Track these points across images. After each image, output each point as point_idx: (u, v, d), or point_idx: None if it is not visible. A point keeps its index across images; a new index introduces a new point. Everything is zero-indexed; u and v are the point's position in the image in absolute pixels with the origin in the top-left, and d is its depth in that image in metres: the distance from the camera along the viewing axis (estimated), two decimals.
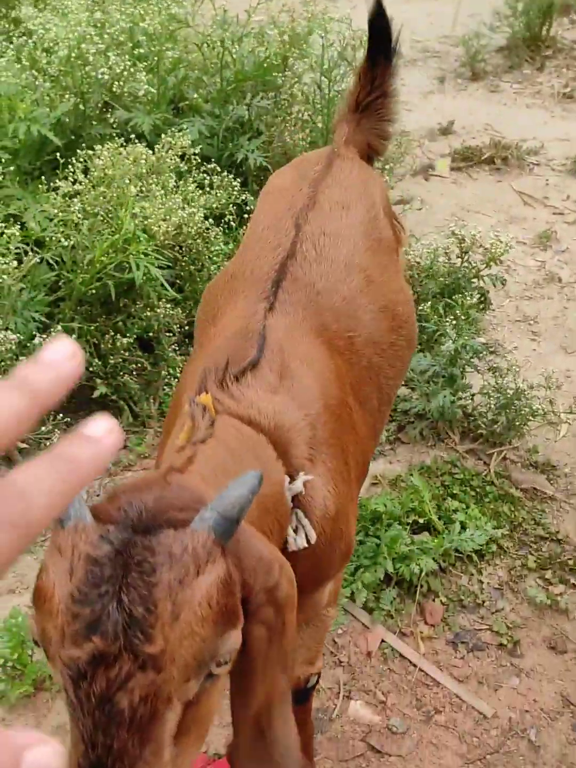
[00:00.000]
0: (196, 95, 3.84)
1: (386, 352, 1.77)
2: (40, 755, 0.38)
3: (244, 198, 3.41)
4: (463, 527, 2.45)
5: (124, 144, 3.26)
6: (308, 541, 1.17)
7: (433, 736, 2.06)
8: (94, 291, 3.01)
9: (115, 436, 0.43)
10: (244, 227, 2.91)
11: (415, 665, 2.21)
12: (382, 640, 2.26)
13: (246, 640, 0.90)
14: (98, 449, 0.42)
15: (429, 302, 2.77)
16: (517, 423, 2.73)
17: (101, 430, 0.42)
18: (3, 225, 2.84)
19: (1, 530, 0.37)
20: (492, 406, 2.77)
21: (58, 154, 3.20)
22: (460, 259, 3.03)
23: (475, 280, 3.00)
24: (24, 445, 2.98)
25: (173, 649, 0.78)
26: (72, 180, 3.07)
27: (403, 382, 2.41)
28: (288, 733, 1.01)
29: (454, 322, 2.70)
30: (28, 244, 2.96)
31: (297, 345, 1.49)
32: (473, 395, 2.86)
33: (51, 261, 3.01)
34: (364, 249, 1.81)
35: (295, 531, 1.11)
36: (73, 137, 3.61)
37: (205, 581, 0.81)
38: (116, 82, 3.60)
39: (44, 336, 2.76)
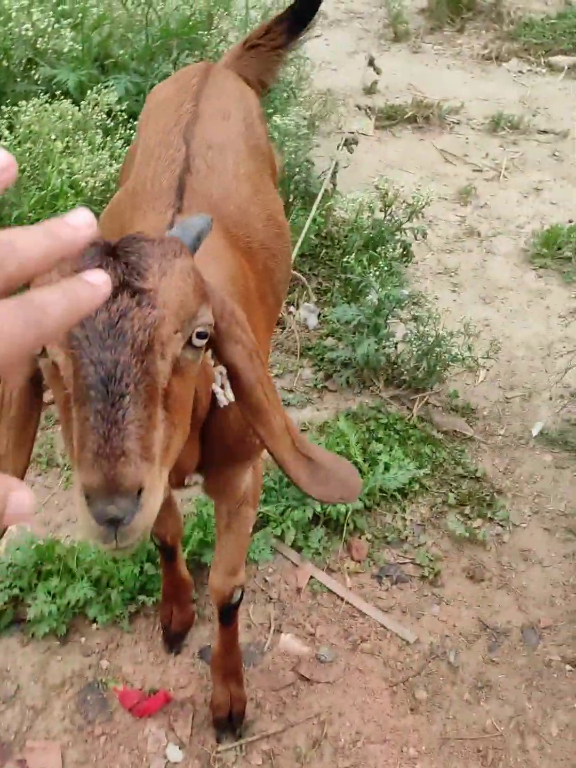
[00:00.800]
0: (121, 52, 3.82)
1: (276, 257, 1.92)
2: (22, 497, 0.45)
3: None
4: (387, 468, 2.56)
5: (50, 100, 3.25)
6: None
7: (360, 663, 2.16)
8: None
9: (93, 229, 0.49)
10: None
11: (342, 598, 2.31)
12: (311, 577, 2.36)
13: (231, 361, 1.10)
14: (77, 236, 0.48)
15: (353, 254, 2.84)
16: (438, 368, 2.84)
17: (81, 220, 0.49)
18: None
19: None
20: (414, 353, 2.87)
21: None
22: (383, 213, 3.11)
23: (397, 232, 3.08)
24: None
25: (164, 294, 0.92)
26: None
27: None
28: (324, 454, 1.32)
29: (377, 273, 2.78)
30: None
31: (205, 242, 1.58)
32: (397, 343, 2.96)
33: None
34: (246, 156, 1.92)
35: (223, 388, 1.19)
36: None
37: (182, 261, 0.97)
38: (40, 38, 3.56)
39: None
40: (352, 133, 4.13)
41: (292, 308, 3.27)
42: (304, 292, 3.30)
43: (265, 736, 2.01)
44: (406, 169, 4.30)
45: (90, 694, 2.08)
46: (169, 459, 0.95)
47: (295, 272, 3.17)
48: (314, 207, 3.42)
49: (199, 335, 0.98)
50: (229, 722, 2.00)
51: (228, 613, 1.91)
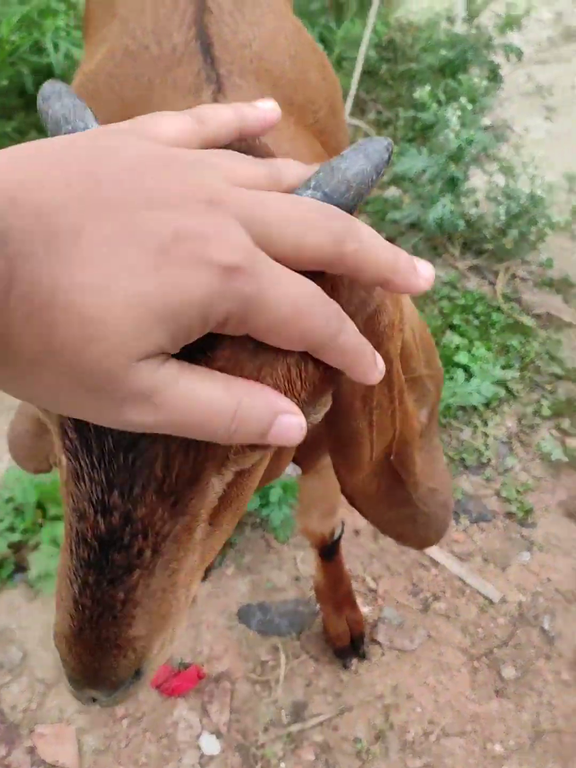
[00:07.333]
0: None
1: (339, 120, 1.29)
2: (290, 421, 0.43)
3: None
4: (468, 372, 2.06)
5: None
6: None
7: (433, 629, 1.78)
8: (6, 81, 2.42)
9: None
10: None
11: None
12: None
13: (335, 390, 0.61)
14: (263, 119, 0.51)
15: (428, 86, 2.17)
16: (532, 237, 2.26)
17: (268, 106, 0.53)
18: None
19: None
20: (501, 215, 2.28)
21: None
22: (467, 24, 2.39)
23: (484, 51, 2.37)
24: None
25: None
26: None
27: None
28: (434, 472, 0.91)
29: (459, 111, 2.14)
30: None
31: (276, 134, 0.96)
32: (477, 202, 2.36)
33: None
34: None
35: None
36: None
37: None
38: None
39: None
40: None
41: None
42: (358, 136, 2.66)
43: (318, 724, 1.67)
44: None
45: None
46: (207, 562, 0.60)
47: (355, 121, 2.52)
48: (373, 9, 2.68)
49: None
50: (352, 647, 1.74)
51: (331, 551, 1.64)
